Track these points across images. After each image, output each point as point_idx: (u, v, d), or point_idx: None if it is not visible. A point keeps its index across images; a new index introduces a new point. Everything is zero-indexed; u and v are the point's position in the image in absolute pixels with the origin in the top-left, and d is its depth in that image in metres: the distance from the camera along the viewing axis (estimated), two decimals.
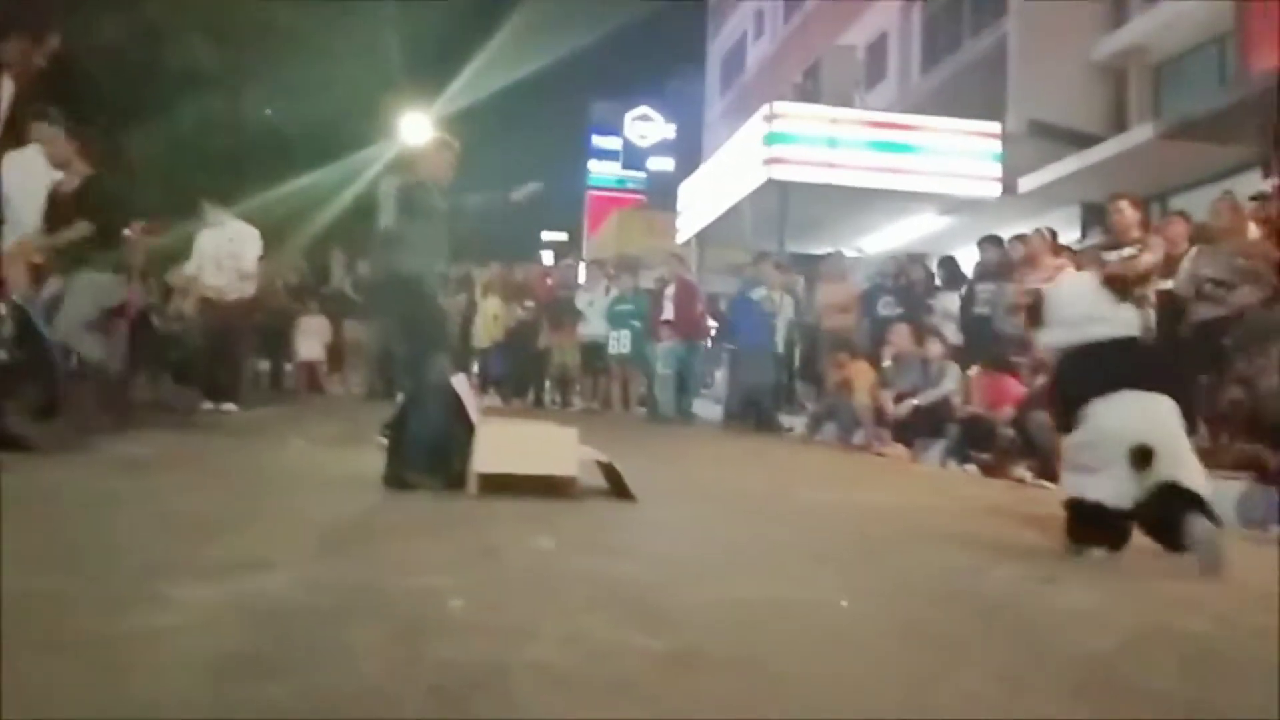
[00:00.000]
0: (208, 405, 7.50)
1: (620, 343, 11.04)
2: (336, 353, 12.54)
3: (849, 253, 12.77)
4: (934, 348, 7.71)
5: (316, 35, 17.46)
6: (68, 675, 1.43)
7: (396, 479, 3.73)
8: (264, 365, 13.48)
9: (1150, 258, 6.88)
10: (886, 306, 9.78)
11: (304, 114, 18.69)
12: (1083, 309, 3.38)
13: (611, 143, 36.30)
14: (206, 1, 13.37)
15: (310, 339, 12.21)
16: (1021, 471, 6.07)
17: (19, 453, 3.87)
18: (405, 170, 4.41)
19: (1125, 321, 3.40)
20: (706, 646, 1.85)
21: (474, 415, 3.84)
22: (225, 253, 7.88)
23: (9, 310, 4.13)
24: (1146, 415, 3.09)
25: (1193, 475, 3.00)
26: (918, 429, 7.48)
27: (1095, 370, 3.24)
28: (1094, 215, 11.35)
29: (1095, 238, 10.44)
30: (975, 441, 6.82)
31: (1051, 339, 3.53)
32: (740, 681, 1.67)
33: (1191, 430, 5.93)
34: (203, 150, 18.18)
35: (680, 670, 1.69)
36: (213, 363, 7.84)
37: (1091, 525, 3.13)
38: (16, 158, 5.06)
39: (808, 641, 1.99)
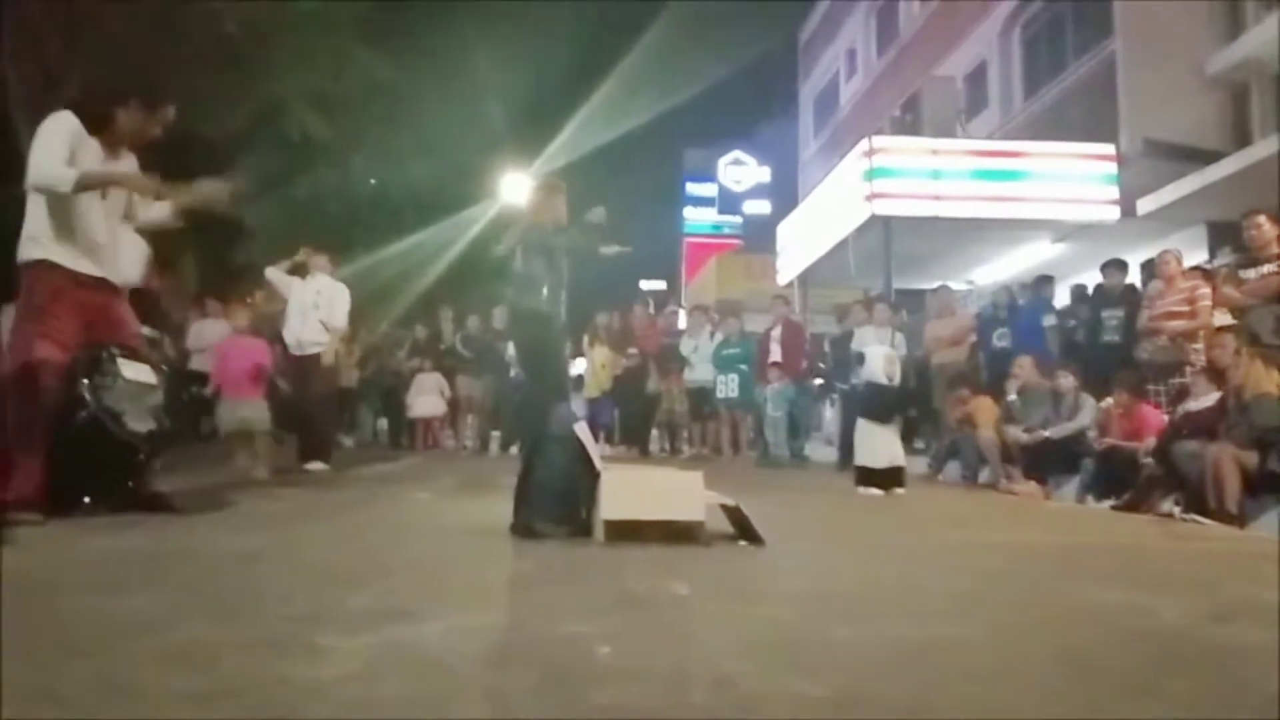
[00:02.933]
0: (314, 465, 7.43)
1: (729, 387, 10.96)
2: (450, 408, 12.81)
3: (959, 286, 12.45)
4: (1065, 380, 7.39)
5: (417, 99, 18.15)
6: None
7: (524, 528, 3.74)
8: (382, 423, 13.91)
9: None
10: (1002, 339, 9.47)
11: (408, 178, 19.44)
12: None
13: (706, 189, 36.45)
14: (314, 71, 14.02)
15: (426, 395, 12.50)
16: (1169, 505, 5.72)
17: (162, 514, 4.05)
18: (523, 217, 4.56)
19: None
20: (866, 690, 1.76)
21: (597, 462, 3.83)
22: (311, 304, 7.76)
23: (161, 380, 4.32)
24: None
25: None
26: (1051, 464, 7.15)
27: None
28: (1221, 234, 10.82)
29: (1225, 257, 9.94)
30: (1114, 475, 6.47)
31: None
32: None
33: None
34: (316, 217, 19.06)
35: (841, 715, 1.61)
36: (299, 421, 7.75)
37: None
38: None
39: (972, 681, 1.87)
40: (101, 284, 4.11)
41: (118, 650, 1.84)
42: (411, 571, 2.96)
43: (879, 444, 6.66)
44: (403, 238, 18.96)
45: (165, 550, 3.19)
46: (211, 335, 12.04)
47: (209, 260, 20.10)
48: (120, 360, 4.12)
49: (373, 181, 20.23)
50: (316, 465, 7.46)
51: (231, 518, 4.34)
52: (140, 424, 4.14)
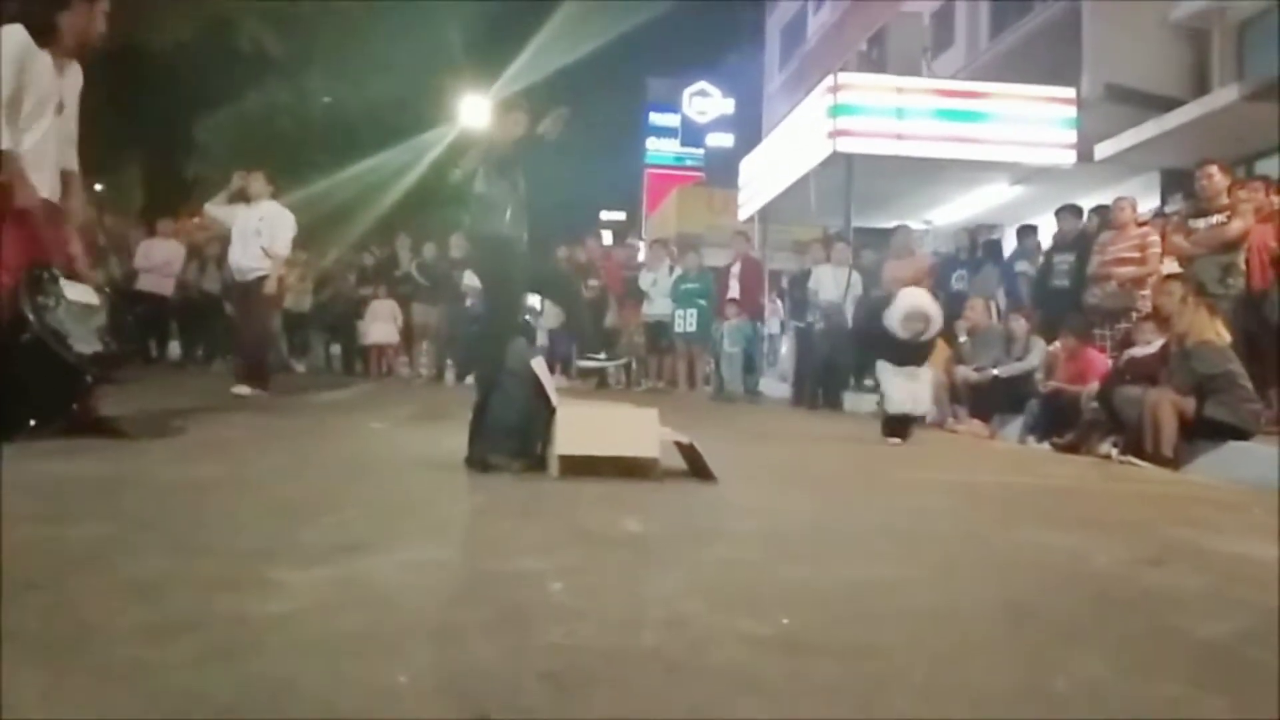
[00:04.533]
0: (242, 389, 7.26)
1: (687, 321, 11.01)
2: (405, 336, 12.73)
3: (917, 226, 12.52)
4: (1017, 322, 7.52)
5: (374, 15, 17.61)
6: (179, 659, 1.45)
7: (479, 461, 3.75)
8: (335, 349, 13.79)
9: (1240, 224, 6.63)
10: (960, 281, 9.59)
11: (364, 98, 18.96)
12: None
13: (669, 119, 35.96)
14: None
15: (380, 323, 12.39)
16: (1107, 448, 5.90)
17: (111, 439, 4.00)
18: (483, 138, 4.40)
19: None
20: (813, 631, 1.81)
21: (553, 397, 3.84)
22: (253, 230, 7.62)
23: (104, 301, 4.23)
24: None
25: None
26: (996, 404, 7.32)
27: None
28: (1174, 181, 10.96)
29: (1176, 204, 10.10)
30: (1057, 416, 6.64)
31: None
32: (853, 666, 1.63)
33: None
34: (267, 135, 18.57)
35: (789, 656, 1.66)
36: (235, 345, 7.76)
37: None
38: None
39: (916, 623, 1.94)
40: (44, 203, 3.99)
41: (67, 582, 1.83)
42: (365, 504, 2.96)
43: (899, 389, 6.11)
44: (359, 159, 18.55)
45: (114, 478, 3.15)
46: (160, 255, 11.78)
47: (156, 174, 19.55)
48: (62, 281, 4.02)
49: (327, 99, 19.71)
50: (246, 389, 7.25)
51: (182, 444, 4.31)
52: (86, 346, 4.06)
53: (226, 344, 12.93)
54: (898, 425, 6.10)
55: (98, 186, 20.25)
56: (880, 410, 6.57)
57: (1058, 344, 7.19)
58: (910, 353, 6.02)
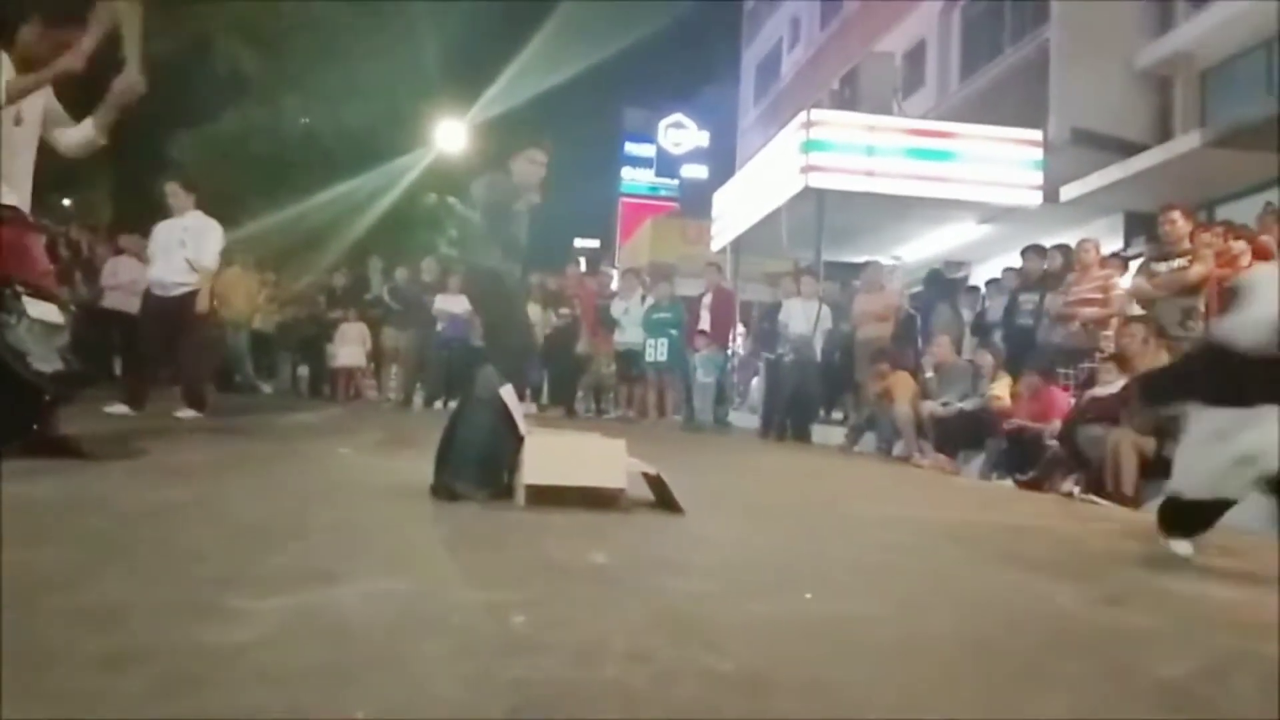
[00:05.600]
0: (186, 412, 6.86)
1: (658, 350, 11.02)
2: (375, 359, 12.66)
3: (886, 261, 12.68)
4: (985, 358, 7.63)
5: (351, 39, 17.61)
6: (133, 689, 1.43)
7: (445, 489, 3.73)
8: (303, 371, 13.68)
9: (1200, 268, 6.77)
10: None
11: (341, 121, 18.92)
12: None
13: (645, 150, 36.30)
14: (244, 6, 13.48)
15: (349, 346, 12.31)
16: (1069, 485, 5.97)
17: (73, 460, 3.94)
18: (498, 170, 4.20)
19: None
20: (774, 667, 1.82)
21: (521, 426, 3.83)
22: (177, 242, 7.13)
23: (68, 319, 4.18)
24: None
25: None
26: (960, 440, 7.39)
27: None
28: (1138, 224, 11.20)
29: (1139, 247, 10.32)
30: (1020, 454, 6.72)
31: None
32: (811, 704, 1.64)
33: None
34: (242, 154, 18.48)
35: (750, 693, 1.66)
36: (159, 364, 7.28)
37: None
38: None
39: (875, 661, 1.95)
40: (13, 214, 3.94)
41: (23, 608, 1.80)
42: (329, 532, 2.94)
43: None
44: (334, 182, 18.48)
45: (74, 500, 3.10)
46: (127, 273, 11.62)
47: (126, 193, 19.34)
48: (25, 298, 3.97)
49: (304, 120, 19.64)
50: (188, 413, 6.88)
51: (145, 467, 4.24)
52: (46, 364, 4.00)
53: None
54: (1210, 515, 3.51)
55: (66, 201, 20.04)
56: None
57: (1022, 381, 7.29)
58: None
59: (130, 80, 4.17)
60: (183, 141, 17.77)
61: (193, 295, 7.08)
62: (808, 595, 2.50)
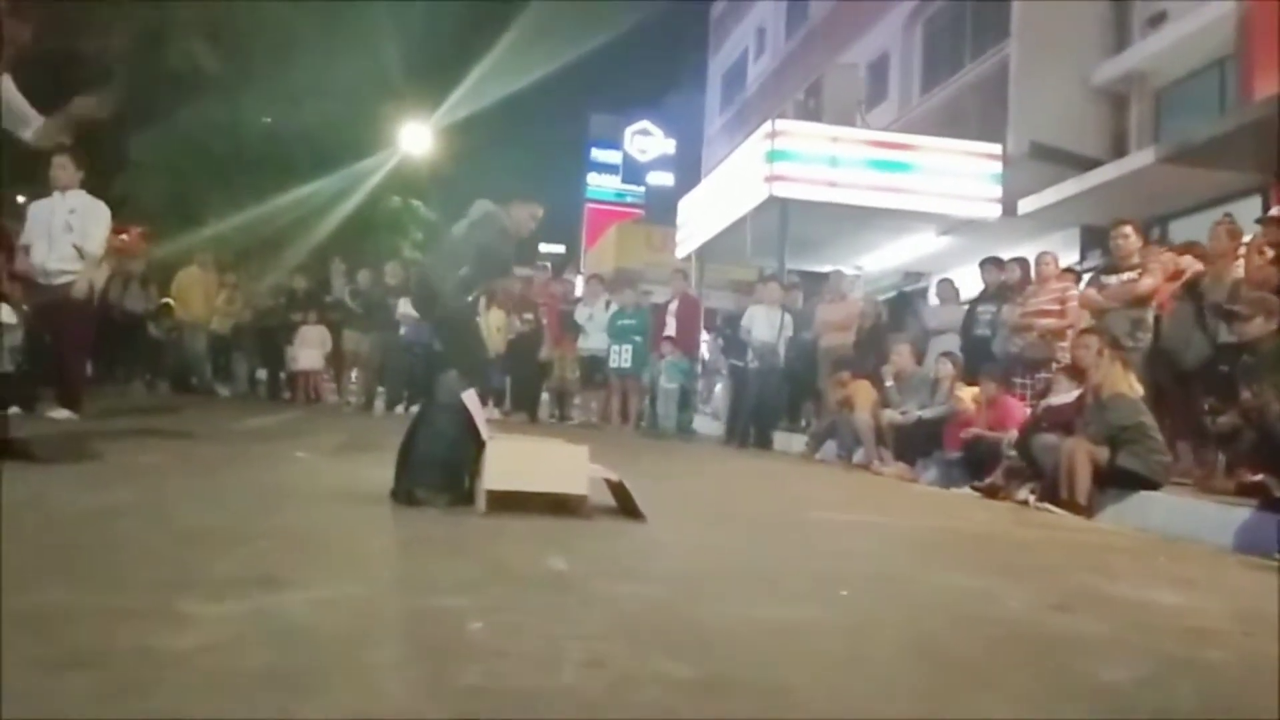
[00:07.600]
0: (60, 413, 6.12)
1: (622, 357, 11.02)
2: (334, 363, 12.52)
3: (849, 271, 12.80)
4: (944, 367, 7.72)
5: (314, 38, 17.41)
6: (77, 694, 1.41)
7: (405, 495, 3.70)
8: (262, 373, 13.49)
9: (1150, 281, 6.92)
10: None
11: (303, 120, 18.68)
12: None
13: (611, 156, 36.33)
14: (204, 3, 13.28)
15: (309, 349, 12.17)
16: (1025, 494, 6.06)
17: (23, 462, 3.86)
18: (500, 206, 4.31)
19: None
20: (730, 672, 1.83)
21: (484, 431, 3.82)
22: (62, 225, 6.45)
23: (19, 319, 4.10)
24: None
25: None
26: (919, 448, 7.47)
27: None
28: (1093, 238, 11.40)
29: (1095, 260, 10.50)
30: (977, 463, 6.80)
31: None
32: (766, 708, 1.65)
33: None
34: (203, 154, 18.21)
35: (706, 697, 1.67)
36: (40, 360, 6.51)
37: None
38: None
39: (829, 665, 1.97)
40: None
41: None
42: (283, 537, 2.90)
43: None
44: (295, 184, 18.24)
45: (21, 502, 3.04)
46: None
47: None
48: None
49: (266, 120, 19.38)
50: (62, 414, 6.14)
51: (96, 469, 4.17)
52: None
53: (149, 363, 12.57)
54: None
55: (20, 199, 19.62)
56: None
57: (979, 391, 7.39)
58: None
59: (90, 103, 4.12)
60: (139, 139, 17.47)
61: (78, 287, 6.38)
62: (766, 601, 2.52)
